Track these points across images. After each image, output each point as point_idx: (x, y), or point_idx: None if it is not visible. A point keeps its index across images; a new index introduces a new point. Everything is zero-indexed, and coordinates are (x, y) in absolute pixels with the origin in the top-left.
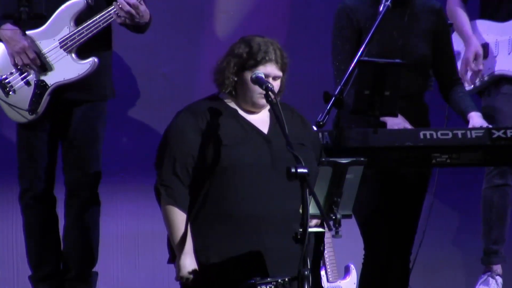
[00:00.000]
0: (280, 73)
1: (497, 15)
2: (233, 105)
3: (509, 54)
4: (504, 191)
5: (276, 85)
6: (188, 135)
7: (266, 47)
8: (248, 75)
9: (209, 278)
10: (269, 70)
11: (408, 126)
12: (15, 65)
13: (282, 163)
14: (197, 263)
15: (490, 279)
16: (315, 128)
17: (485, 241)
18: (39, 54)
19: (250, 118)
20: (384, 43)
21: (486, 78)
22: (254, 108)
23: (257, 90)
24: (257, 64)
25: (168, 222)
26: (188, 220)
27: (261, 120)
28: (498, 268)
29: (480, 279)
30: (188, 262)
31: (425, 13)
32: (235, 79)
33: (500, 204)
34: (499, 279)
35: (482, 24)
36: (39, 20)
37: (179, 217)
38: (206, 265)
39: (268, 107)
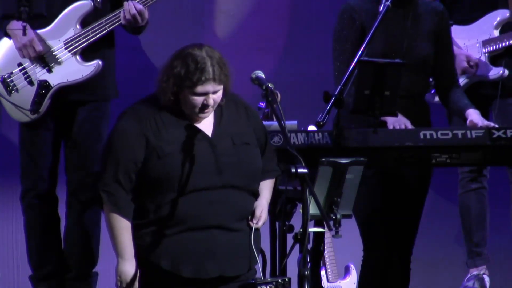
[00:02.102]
0: (219, 87)
1: (458, 17)
2: (177, 108)
3: (480, 57)
4: (481, 194)
5: (217, 97)
6: (132, 141)
7: (204, 65)
8: (187, 94)
9: (161, 278)
10: (207, 88)
11: (408, 124)
12: (23, 58)
13: (226, 165)
14: (149, 264)
15: (478, 278)
16: (314, 128)
17: (468, 245)
18: (46, 51)
19: (195, 121)
20: (388, 44)
21: (464, 83)
22: (198, 119)
23: (198, 105)
24: (194, 85)
25: (110, 228)
26: (134, 224)
27: (205, 122)
28: (483, 269)
29: (467, 280)
30: (128, 268)
31: (428, 14)
32: (175, 95)
33: (478, 207)
34: (486, 278)
35: None
36: (39, 20)
37: (121, 224)
38: (158, 266)
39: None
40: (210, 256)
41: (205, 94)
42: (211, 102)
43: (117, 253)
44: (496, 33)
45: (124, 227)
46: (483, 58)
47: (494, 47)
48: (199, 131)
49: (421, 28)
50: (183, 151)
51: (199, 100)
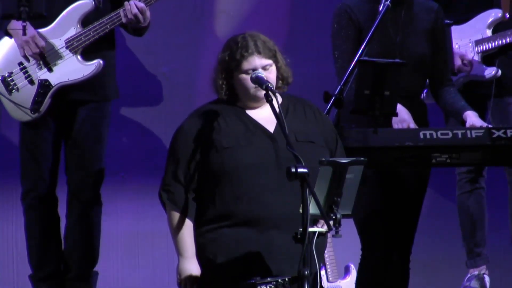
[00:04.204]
0: (268, 61)
1: (454, 17)
2: (239, 104)
3: (473, 57)
4: (479, 194)
5: (269, 73)
6: (191, 139)
7: (245, 42)
8: (237, 76)
9: (217, 276)
10: (253, 63)
11: (412, 124)
12: (24, 56)
13: (286, 161)
14: (205, 260)
15: (478, 278)
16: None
17: (467, 245)
18: (47, 49)
19: (256, 116)
20: (383, 43)
21: (458, 82)
22: (256, 103)
23: (250, 85)
24: (239, 62)
25: (171, 227)
26: (196, 222)
27: (267, 118)
28: (483, 269)
29: (467, 280)
30: (189, 267)
31: (423, 13)
32: (228, 84)
33: (476, 208)
34: (487, 278)
35: None
36: (39, 20)
37: (181, 222)
38: (214, 263)
39: (279, 101)
40: (267, 255)
41: (254, 70)
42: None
43: (178, 252)
44: (488, 32)
45: (184, 225)
46: (476, 58)
47: (486, 46)
48: (260, 126)
49: (417, 27)
50: (242, 145)
51: (250, 78)
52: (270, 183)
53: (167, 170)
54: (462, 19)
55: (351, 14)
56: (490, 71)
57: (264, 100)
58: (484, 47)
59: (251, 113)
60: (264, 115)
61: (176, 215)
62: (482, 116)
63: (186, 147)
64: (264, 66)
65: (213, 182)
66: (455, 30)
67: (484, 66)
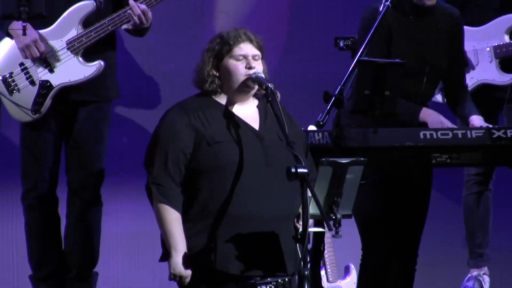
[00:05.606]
0: (258, 52)
1: (469, 18)
2: (222, 101)
3: (490, 62)
4: (485, 196)
5: (258, 65)
6: (180, 132)
7: (237, 32)
8: (228, 60)
9: (209, 275)
10: (245, 49)
11: (449, 123)
12: (25, 59)
13: (275, 159)
14: (202, 264)
15: (477, 279)
16: (314, 128)
17: (470, 245)
18: (48, 51)
19: (241, 114)
20: (412, 54)
21: (475, 85)
22: (243, 94)
23: (241, 71)
24: (232, 47)
25: (161, 221)
26: (182, 218)
27: (251, 116)
28: (484, 269)
29: (467, 281)
30: (182, 260)
31: (445, 21)
32: (216, 72)
33: (482, 210)
34: (486, 278)
35: None
36: (39, 20)
37: (172, 215)
38: (206, 262)
39: (256, 103)
40: (257, 254)
41: (245, 57)
42: (253, 64)
43: (170, 246)
44: (506, 38)
45: (175, 218)
46: (493, 63)
47: (504, 52)
48: (246, 124)
49: (440, 36)
50: (232, 141)
51: (241, 65)
52: (260, 181)
53: (154, 163)
54: (477, 20)
55: (382, 19)
56: (508, 78)
57: (250, 90)
58: (502, 53)
59: (235, 110)
60: (247, 113)
61: (166, 209)
62: (495, 118)
63: (174, 137)
64: (254, 56)
65: (203, 176)
66: (471, 32)
67: (501, 72)
